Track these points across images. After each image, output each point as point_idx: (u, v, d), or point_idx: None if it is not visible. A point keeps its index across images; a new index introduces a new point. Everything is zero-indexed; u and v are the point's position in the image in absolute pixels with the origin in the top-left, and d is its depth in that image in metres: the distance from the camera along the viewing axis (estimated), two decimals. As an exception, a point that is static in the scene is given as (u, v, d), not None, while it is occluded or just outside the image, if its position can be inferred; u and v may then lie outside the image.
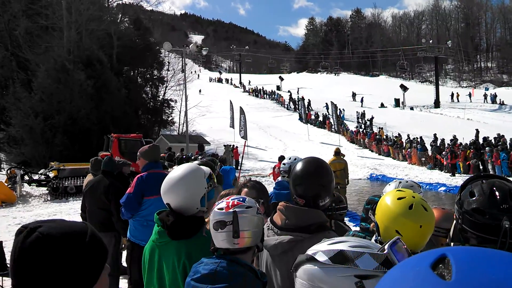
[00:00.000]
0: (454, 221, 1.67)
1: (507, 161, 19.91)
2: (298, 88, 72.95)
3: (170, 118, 43.18)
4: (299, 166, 2.39)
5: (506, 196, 1.47)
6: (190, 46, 29.65)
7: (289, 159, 4.79)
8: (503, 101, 56.35)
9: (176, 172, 2.60)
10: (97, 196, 6.13)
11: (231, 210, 2.06)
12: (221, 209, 2.09)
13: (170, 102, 42.61)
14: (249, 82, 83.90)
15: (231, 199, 2.13)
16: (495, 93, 61.46)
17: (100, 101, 29.62)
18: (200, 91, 65.60)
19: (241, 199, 2.13)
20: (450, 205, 14.02)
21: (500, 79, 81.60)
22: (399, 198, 1.90)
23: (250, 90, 75.86)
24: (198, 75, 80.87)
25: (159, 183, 2.61)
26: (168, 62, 45.18)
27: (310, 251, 1.46)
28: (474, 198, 1.52)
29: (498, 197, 1.48)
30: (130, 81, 38.95)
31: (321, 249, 1.43)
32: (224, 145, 31.65)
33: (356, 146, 40.33)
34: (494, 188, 1.50)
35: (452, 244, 1.73)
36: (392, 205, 1.89)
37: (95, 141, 26.71)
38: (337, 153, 14.01)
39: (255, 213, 2.09)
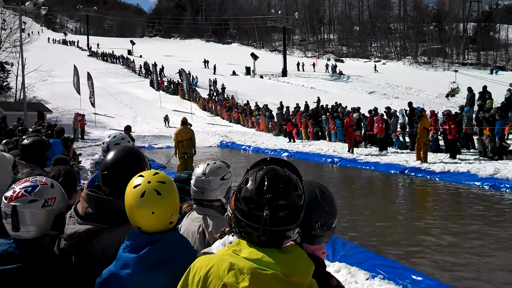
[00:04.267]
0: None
1: (341, 128, 21.74)
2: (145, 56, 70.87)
3: (5, 84, 38.96)
4: (110, 154, 2.28)
5: (274, 186, 1.48)
6: (26, 3, 26.62)
7: (109, 137, 4.35)
8: (341, 71, 61.27)
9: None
10: None
11: (11, 203, 1.92)
12: (6, 198, 1.94)
13: (5, 65, 38.33)
14: (98, 45, 79.07)
15: (20, 187, 1.97)
16: (335, 63, 66.49)
17: None
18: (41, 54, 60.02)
19: (29, 189, 1.97)
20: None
21: (340, 51, 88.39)
22: (134, 186, 1.87)
23: (99, 54, 71.69)
24: (39, 35, 73.81)
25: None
26: (3, 20, 40.43)
27: None
28: (247, 186, 1.52)
29: (265, 186, 1.48)
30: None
31: None
32: (75, 113, 29.71)
33: (208, 113, 40.81)
34: (265, 177, 1.50)
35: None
36: (128, 195, 1.87)
37: None
38: (184, 122, 13.93)
39: (41, 206, 1.96)
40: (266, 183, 1.48)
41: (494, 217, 9.14)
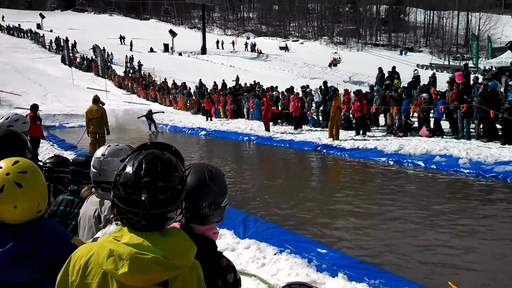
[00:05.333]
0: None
1: (259, 107, 21.97)
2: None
3: None
4: None
5: (152, 169, 1.47)
6: None
7: (1, 118, 4.06)
8: (260, 50, 61.69)
9: None
10: None
11: None
12: None
13: None
14: (3, 18, 73.45)
15: None
16: (254, 42, 66.74)
17: None
18: None
19: None
20: (210, 150, 14.72)
21: (260, 30, 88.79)
22: None
23: (4, 28, 66.62)
24: None
25: None
26: None
27: None
28: (125, 171, 1.49)
29: (143, 170, 1.46)
30: None
31: None
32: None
33: (124, 91, 39.53)
34: (143, 161, 1.49)
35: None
36: None
37: None
38: (95, 100, 13.37)
39: None
40: (143, 166, 1.47)
41: (397, 191, 9.68)
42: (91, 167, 2.82)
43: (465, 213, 7.82)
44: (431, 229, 6.86)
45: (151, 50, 58.58)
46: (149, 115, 22.21)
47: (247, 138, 18.84)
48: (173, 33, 58.61)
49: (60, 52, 51.01)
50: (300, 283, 1.27)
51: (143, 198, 1.43)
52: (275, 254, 5.87)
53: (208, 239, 1.84)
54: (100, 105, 13.45)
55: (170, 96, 33.58)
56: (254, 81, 30.82)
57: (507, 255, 5.88)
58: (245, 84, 29.90)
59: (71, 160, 3.57)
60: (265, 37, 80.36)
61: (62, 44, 49.58)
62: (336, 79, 41.30)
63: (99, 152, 2.83)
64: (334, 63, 50.05)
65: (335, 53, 52.72)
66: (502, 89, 16.53)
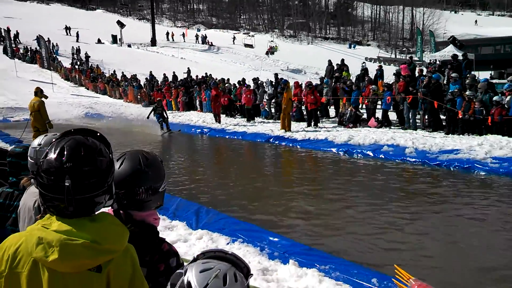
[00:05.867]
0: None
1: (209, 99, 21.88)
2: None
3: None
4: None
5: (74, 154, 1.46)
6: None
7: None
8: (211, 42, 61.27)
9: None
10: None
11: None
12: None
13: None
14: None
15: None
16: (205, 34, 66.20)
17: None
18: None
19: None
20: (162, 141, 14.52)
21: (210, 22, 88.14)
22: None
23: None
24: None
25: None
26: None
27: None
28: (47, 158, 1.47)
29: (65, 155, 1.45)
30: None
31: None
32: None
33: (72, 83, 38.30)
34: (65, 147, 1.47)
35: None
36: None
37: None
38: (35, 93, 12.85)
39: None
40: (65, 152, 1.46)
41: (348, 179, 9.93)
42: (28, 157, 2.81)
43: (413, 200, 8.12)
44: (381, 216, 7.08)
45: (99, 41, 56.90)
46: (159, 109, 18.69)
47: (199, 130, 18.75)
48: (121, 24, 57.09)
49: (1, 43, 48.65)
50: (216, 250, 1.31)
51: (66, 184, 1.42)
52: (227, 243, 5.91)
53: (148, 224, 1.86)
54: (42, 98, 12.88)
55: (120, 88, 32.82)
56: (206, 73, 30.61)
57: (456, 239, 6.15)
58: (197, 76, 29.63)
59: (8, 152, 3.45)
60: (216, 29, 79.84)
61: (3, 34, 47.32)
62: (275, 69, 42.19)
63: (35, 142, 2.82)
64: (271, 51, 51.97)
65: (272, 41, 55.72)
66: (445, 81, 17.21)
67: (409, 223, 6.76)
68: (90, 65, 42.21)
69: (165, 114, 18.84)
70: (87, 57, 44.50)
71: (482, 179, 9.49)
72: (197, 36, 64.43)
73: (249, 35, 57.10)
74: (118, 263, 1.47)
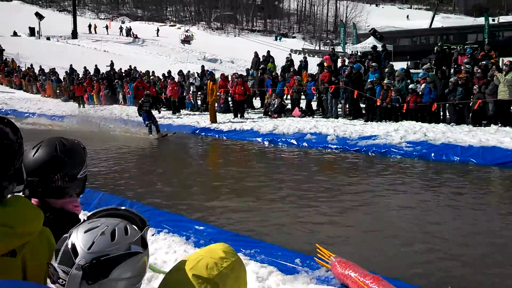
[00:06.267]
0: None
1: (133, 92, 21.39)
2: None
3: None
4: None
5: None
6: None
7: None
8: (136, 34, 59.73)
9: None
10: None
11: None
12: None
13: None
14: None
15: None
16: (130, 26, 64.40)
17: None
18: None
19: None
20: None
21: (135, 14, 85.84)
22: None
23: None
24: None
25: None
26: None
27: None
28: None
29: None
30: None
31: None
32: None
33: (-16, 78, 35.97)
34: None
35: None
36: None
37: None
38: None
39: None
40: None
41: (274, 168, 10.09)
42: None
43: (334, 184, 8.41)
44: (305, 202, 7.26)
45: (15, 34, 53.66)
46: (146, 105, 14.89)
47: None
48: (39, 16, 54.17)
49: None
50: (109, 208, 1.28)
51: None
52: (152, 235, 5.84)
53: (68, 212, 1.80)
54: None
55: (37, 83, 31.22)
56: (130, 66, 29.83)
57: (374, 218, 6.43)
58: (120, 69, 28.78)
59: None
60: (141, 22, 77.88)
61: None
62: (191, 58, 42.55)
63: None
64: (187, 39, 54.31)
65: (187, 30, 59.44)
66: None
67: (331, 205, 6.98)
68: (4, 58, 39.74)
69: (153, 114, 15.33)
70: (1, 50, 41.84)
71: (398, 162, 10.01)
72: (121, 28, 62.51)
73: (186, 31, 57.70)
74: (34, 246, 1.41)
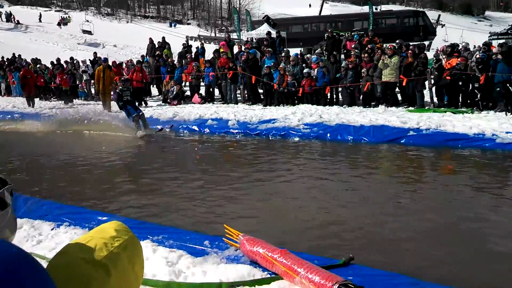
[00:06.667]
0: None
1: (19, 81, 19.90)
2: None
3: None
4: None
5: None
6: None
7: None
8: (18, 20, 55.33)
9: None
10: None
11: None
12: None
13: None
14: None
15: None
16: (10, 11, 59.43)
17: None
18: None
19: None
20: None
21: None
22: None
23: None
24: None
25: None
26: None
27: None
28: None
29: None
30: None
31: None
32: None
33: None
34: None
35: None
36: None
37: None
38: None
39: None
40: None
41: (177, 155, 10.00)
42: None
43: (238, 166, 8.54)
44: (211, 186, 7.28)
45: None
46: (126, 93, 12.18)
47: (9, 116, 16.90)
48: None
49: None
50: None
51: None
52: (52, 229, 5.56)
53: None
54: None
55: None
56: (14, 54, 27.62)
57: (278, 197, 6.63)
58: (2, 57, 26.55)
59: None
60: (23, 6, 72.21)
61: None
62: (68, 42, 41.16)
63: None
64: (64, 22, 54.47)
65: (65, 13, 61.00)
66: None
67: (236, 187, 7.09)
68: None
69: (139, 108, 12.73)
70: None
71: (296, 143, 10.42)
72: (0, 13, 57.58)
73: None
74: None
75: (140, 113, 12.05)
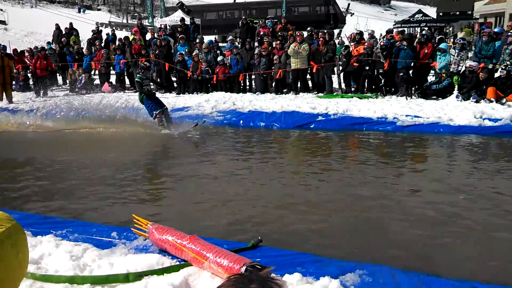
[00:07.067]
0: None
1: None
2: None
3: None
4: None
5: None
6: None
7: None
8: None
9: None
10: None
11: None
12: None
13: None
14: None
15: None
16: None
17: None
18: None
19: None
20: None
21: None
22: None
23: None
24: None
25: None
26: None
27: None
28: None
29: None
30: None
31: None
32: None
33: None
34: None
35: None
36: None
37: None
38: None
39: None
40: None
41: (81, 143, 9.60)
42: None
43: (152, 157, 8.38)
44: (121, 176, 7.07)
45: None
46: (146, 82, 10.30)
47: None
48: None
49: None
50: None
51: None
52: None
53: None
54: None
55: None
56: None
57: (194, 194, 6.59)
58: None
59: None
60: None
61: None
62: None
63: None
64: None
65: None
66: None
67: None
68: None
69: (162, 101, 10.68)
70: None
71: (210, 130, 10.41)
72: None
73: None
74: None
75: (164, 108, 10.42)
